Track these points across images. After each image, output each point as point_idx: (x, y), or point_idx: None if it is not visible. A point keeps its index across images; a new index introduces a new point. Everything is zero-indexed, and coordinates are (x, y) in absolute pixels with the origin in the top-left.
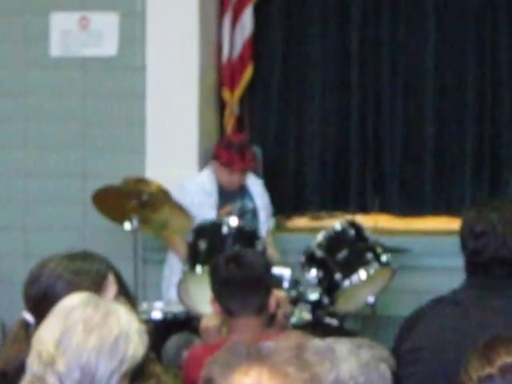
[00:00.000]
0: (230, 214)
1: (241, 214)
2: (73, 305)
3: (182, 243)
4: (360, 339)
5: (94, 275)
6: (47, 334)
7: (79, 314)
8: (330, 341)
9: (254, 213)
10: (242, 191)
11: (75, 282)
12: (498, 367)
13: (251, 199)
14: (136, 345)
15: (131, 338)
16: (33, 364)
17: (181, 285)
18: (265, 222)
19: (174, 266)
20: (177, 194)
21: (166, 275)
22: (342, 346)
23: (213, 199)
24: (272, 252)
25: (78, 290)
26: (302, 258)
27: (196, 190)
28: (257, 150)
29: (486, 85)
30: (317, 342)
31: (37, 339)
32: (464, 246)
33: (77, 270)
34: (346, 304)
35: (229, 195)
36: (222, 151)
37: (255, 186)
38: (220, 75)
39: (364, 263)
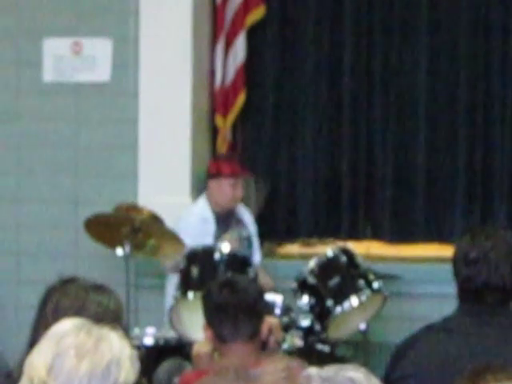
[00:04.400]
0: (233, 242)
1: (240, 241)
2: (65, 330)
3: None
4: (355, 365)
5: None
6: (39, 359)
7: (71, 339)
8: (338, 370)
9: (249, 241)
10: (236, 219)
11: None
12: None
13: (245, 227)
14: (128, 371)
15: (123, 364)
16: None
17: (172, 311)
18: (258, 248)
19: (169, 294)
20: (175, 224)
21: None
22: (358, 375)
23: (211, 227)
24: (267, 280)
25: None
26: (294, 285)
27: (197, 222)
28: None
29: (477, 112)
30: (330, 373)
31: (29, 364)
32: (456, 272)
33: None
34: (338, 331)
35: (225, 223)
36: (222, 165)
37: (246, 214)
38: (213, 101)
39: (356, 290)
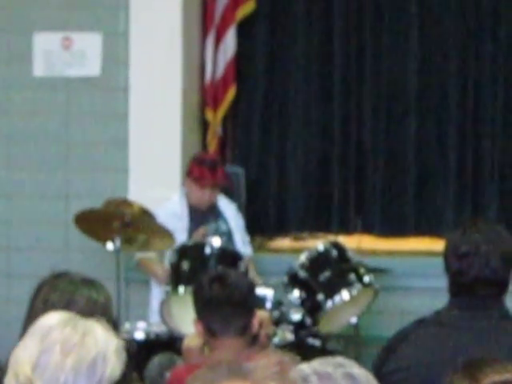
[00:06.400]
0: (205, 235)
1: (218, 236)
2: (51, 325)
3: (160, 266)
4: (342, 358)
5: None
6: (24, 355)
7: (57, 334)
8: (337, 366)
9: (229, 235)
10: (216, 213)
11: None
12: None
13: (225, 222)
14: (114, 365)
15: (109, 359)
16: None
17: (163, 305)
18: (240, 243)
19: (153, 292)
20: None
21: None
22: (358, 371)
23: (184, 223)
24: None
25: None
26: (285, 279)
27: (166, 216)
28: (239, 170)
29: (468, 107)
30: (329, 370)
31: (14, 360)
32: (448, 266)
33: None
34: (329, 324)
35: (202, 218)
36: (193, 167)
37: (228, 209)
38: (203, 96)
39: (347, 284)
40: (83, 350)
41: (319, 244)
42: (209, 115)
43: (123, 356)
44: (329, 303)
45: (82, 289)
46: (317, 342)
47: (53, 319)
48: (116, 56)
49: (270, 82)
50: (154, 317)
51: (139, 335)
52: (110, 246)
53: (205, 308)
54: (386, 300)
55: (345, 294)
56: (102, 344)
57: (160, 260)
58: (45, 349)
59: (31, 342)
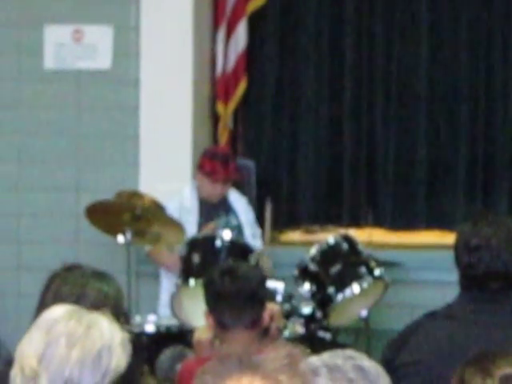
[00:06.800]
0: (215, 230)
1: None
2: (56, 317)
3: (170, 255)
4: (353, 351)
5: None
6: (30, 348)
7: (62, 327)
8: (346, 358)
9: (240, 229)
10: (226, 208)
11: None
12: (499, 378)
13: (235, 216)
14: (119, 356)
15: (114, 350)
16: (16, 378)
17: (174, 298)
18: (250, 237)
19: (164, 285)
20: None
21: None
22: (367, 363)
23: (194, 216)
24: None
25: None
26: (296, 272)
27: (176, 209)
28: (250, 163)
29: (479, 99)
30: (338, 362)
31: (20, 353)
32: (458, 259)
33: (109, 295)
34: (339, 318)
35: (212, 211)
36: (205, 161)
37: (239, 202)
38: (214, 89)
39: (357, 277)
40: (88, 343)
41: (330, 237)
42: (220, 108)
43: (129, 348)
44: (339, 296)
45: (92, 282)
46: (327, 335)
47: (57, 312)
48: (127, 49)
49: (280, 75)
50: (165, 310)
51: (150, 328)
52: (120, 238)
53: (215, 301)
54: (396, 293)
55: (355, 287)
56: (107, 336)
57: (170, 250)
58: (50, 341)
59: (36, 335)
